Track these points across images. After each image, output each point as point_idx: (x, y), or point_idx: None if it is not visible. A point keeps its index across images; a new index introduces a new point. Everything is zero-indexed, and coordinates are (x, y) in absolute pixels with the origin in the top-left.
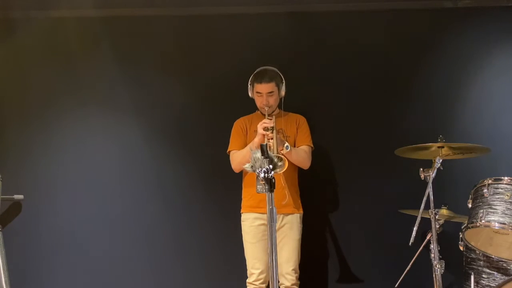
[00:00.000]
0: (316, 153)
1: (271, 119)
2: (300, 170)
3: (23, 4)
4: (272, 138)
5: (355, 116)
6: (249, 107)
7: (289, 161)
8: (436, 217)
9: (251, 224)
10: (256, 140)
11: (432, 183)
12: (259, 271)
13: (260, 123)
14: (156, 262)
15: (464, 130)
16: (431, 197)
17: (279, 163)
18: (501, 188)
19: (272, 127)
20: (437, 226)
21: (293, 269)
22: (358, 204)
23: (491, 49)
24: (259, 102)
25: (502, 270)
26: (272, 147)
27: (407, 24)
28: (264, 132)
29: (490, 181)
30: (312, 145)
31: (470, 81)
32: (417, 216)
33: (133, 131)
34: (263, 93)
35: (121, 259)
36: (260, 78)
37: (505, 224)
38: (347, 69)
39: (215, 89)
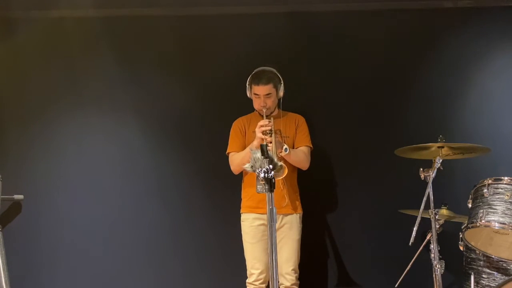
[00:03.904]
0: (316, 153)
1: (269, 121)
2: (299, 170)
3: (23, 4)
4: (271, 142)
5: (355, 116)
6: (249, 106)
7: (288, 162)
8: (436, 217)
9: (250, 224)
10: (255, 143)
11: (432, 183)
12: (258, 271)
13: (258, 126)
14: (155, 262)
15: (464, 130)
16: (431, 197)
17: (279, 163)
18: (501, 188)
19: (271, 130)
20: (437, 226)
21: (292, 269)
22: (358, 204)
23: (491, 49)
24: (256, 103)
25: (502, 270)
26: (271, 151)
27: (407, 24)
28: (263, 136)
29: (490, 181)
30: (311, 145)
31: (470, 81)
32: (417, 216)
33: (132, 131)
34: (261, 95)
35: (120, 259)
36: (258, 79)
37: (505, 224)
38: (347, 69)
39: (215, 89)
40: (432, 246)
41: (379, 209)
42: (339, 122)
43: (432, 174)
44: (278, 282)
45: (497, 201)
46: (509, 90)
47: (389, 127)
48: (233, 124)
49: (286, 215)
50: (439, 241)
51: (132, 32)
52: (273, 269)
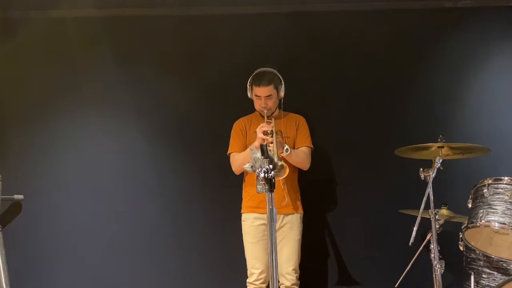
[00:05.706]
0: (316, 153)
1: (270, 122)
2: (300, 170)
3: (23, 4)
4: (272, 142)
5: (355, 116)
6: (250, 106)
7: (288, 162)
8: (436, 217)
9: (251, 224)
10: (256, 143)
11: (432, 183)
12: (259, 271)
13: (259, 127)
14: (156, 262)
15: (464, 130)
16: (431, 197)
17: (279, 163)
18: (501, 188)
19: (272, 131)
20: (437, 226)
21: (293, 269)
22: (358, 204)
23: (491, 49)
24: (257, 104)
25: (502, 270)
26: (272, 151)
27: (407, 24)
28: (264, 137)
29: (490, 181)
30: (311, 146)
31: (470, 81)
32: (417, 216)
33: (133, 131)
34: (262, 96)
35: (121, 259)
36: (259, 81)
37: (505, 224)
38: (347, 69)
39: (215, 89)
40: (432, 246)
41: (379, 209)
42: (340, 122)
43: (432, 174)
44: (278, 282)
45: (497, 201)
46: (509, 90)
47: (389, 127)
48: (234, 124)
49: (287, 215)
50: (439, 241)
51: (132, 32)
52: (273, 269)
